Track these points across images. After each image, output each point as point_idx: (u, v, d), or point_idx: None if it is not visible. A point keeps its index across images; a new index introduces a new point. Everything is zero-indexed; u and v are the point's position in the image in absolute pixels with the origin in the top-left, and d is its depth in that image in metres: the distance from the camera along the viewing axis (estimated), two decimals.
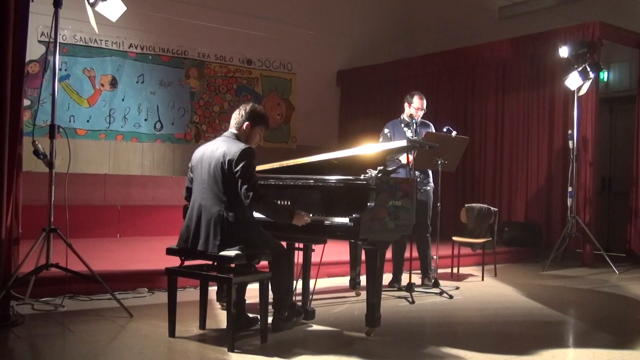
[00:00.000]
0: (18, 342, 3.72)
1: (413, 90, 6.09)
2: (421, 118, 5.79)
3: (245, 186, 3.66)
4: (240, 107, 4.01)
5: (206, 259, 3.86)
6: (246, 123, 3.92)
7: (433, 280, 5.73)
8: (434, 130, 5.81)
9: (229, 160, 3.69)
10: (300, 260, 4.49)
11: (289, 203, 4.21)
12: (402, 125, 5.75)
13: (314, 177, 4.16)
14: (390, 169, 4.18)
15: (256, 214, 3.85)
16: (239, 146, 3.74)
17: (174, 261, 3.99)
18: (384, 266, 4.08)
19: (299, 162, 4.52)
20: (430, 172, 5.84)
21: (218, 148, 3.80)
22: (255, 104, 4.04)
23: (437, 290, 5.59)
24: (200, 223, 3.76)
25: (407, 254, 5.71)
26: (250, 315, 4.17)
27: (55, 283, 4.67)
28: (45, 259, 4.38)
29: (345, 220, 3.80)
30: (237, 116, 3.96)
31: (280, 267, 4.00)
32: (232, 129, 3.96)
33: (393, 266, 5.83)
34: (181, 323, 4.00)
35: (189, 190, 4.02)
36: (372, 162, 4.26)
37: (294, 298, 4.39)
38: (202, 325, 4.07)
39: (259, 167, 4.23)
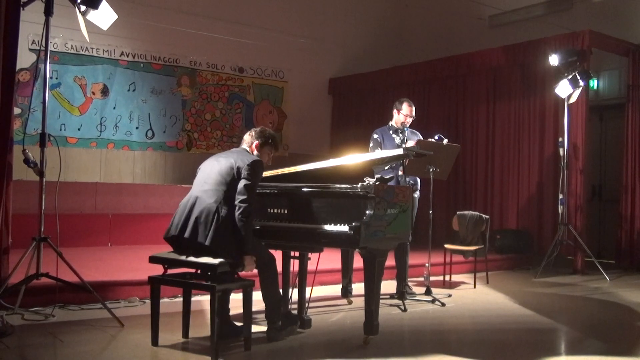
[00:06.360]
0: (8, 352, 3.67)
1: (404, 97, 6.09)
2: (409, 126, 5.77)
3: (244, 197, 3.74)
4: (252, 129, 4.18)
5: (190, 266, 3.82)
6: (255, 142, 4.08)
7: (425, 288, 5.73)
8: (421, 138, 5.80)
9: (238, 167, 3.82)
10: (296, 268, 4.46)
11: (285, 211, 4.20)
12: (391, 131, 5.75)
13: (312, 184, 4.14)
14: (387, 177, 4.19)
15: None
16: (251, 157, 3.91)
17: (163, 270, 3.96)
18: (382, 274, 4.07)
19: (294, 170, 4.50)
20: (418, 180, 5.83)
21: (231, 155, 3.96)
22: (267, 128, 4.21)
23: (429, 298, 5.59)
24: (192, 211, 3.79)
25: (393, 262, 5.66)
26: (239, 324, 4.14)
27: (45, 293, 4.62)
28: (35, 268, 4.34)
29: (345, 228, 3.80)
30: (247, 137, 4.14)
31: (269, 275, 3.98)
32: (243, 146, 4.10)
33: (397, 276, 5.71)
34: (169, 332, 3.98)
35: None
36: (364, 169, 4.26)
37: (289, 306, 4.38)
38: (185, 334, 4.04)
39: None
